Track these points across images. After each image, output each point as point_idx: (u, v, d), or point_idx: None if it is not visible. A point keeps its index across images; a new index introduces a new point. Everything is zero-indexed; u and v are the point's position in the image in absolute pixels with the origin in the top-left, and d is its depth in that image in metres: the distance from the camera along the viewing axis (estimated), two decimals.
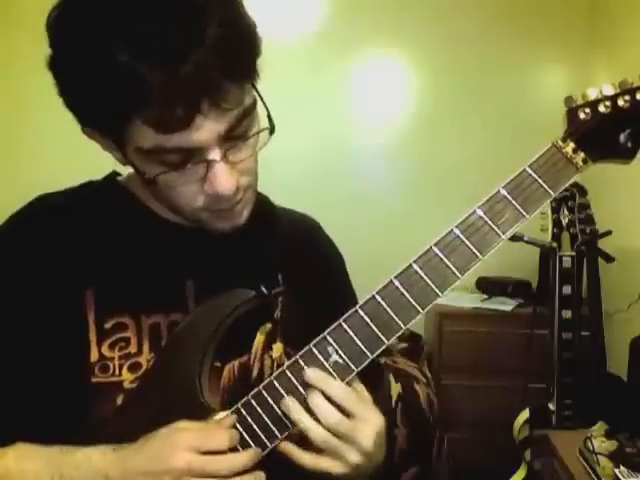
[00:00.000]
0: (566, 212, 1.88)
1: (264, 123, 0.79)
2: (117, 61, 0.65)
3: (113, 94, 0.67)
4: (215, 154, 0.72)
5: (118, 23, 0.66)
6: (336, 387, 0.77)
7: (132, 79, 0.65)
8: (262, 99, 0.77)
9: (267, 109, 0.77)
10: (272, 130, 0.77)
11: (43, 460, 0.74)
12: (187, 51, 0.65)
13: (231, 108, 0.71)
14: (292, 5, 2.98)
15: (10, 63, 2.92)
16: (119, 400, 0.80)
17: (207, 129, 0.70)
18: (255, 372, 0.87)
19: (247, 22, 0.73)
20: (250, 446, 0.77)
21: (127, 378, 0.80)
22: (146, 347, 0.81)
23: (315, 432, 0.76)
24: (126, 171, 0.88)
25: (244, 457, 0.75)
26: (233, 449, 0.75)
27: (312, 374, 0.77)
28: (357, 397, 0.78)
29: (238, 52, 0.70)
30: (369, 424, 0.78)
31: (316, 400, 0.76)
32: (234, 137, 0.74)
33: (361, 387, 0.80)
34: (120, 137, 0.73)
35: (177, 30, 0.66)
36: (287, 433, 0.78)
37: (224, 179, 0.73)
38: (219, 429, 0.75)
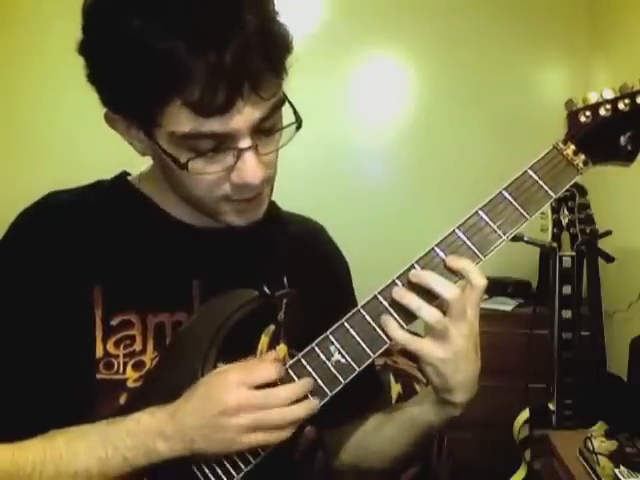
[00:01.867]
0: (566, 212, 1.88)
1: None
2: (160, 45, 0.67)
3: (155, 75, 0.68)
4: (247, 143, 0.74)
5: (159, 8, 0.68)
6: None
7: (176, 61, 0.67)
8: (287, 98, 0.78)
9: (293, 106, 0.78)
10: (299, 126, 0.78)
11: (94, 436, 0.75)
12: (229, 35, 0.67)
13: (267, 98, 0.73)
14: (291, 6, 2.97)
15: (10, 63, 2.92)
16: (122, 399, 0.80)
17: (244, 116, 0.71)
18: None
19: (281, 19, 0.75)
20: None
21: (131, 376, 0.81)
22: (150, 346, 0.82)
23: (429, 310, 0.76)
24: (139, 169, 0.89)
25: (297, 386, 0.76)
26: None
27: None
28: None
29: (275, 42, 0.72)
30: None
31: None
32: (264, 130, 0.76)
33: None
34: (152, 121, 0.73)
35: (219, 15, 0.68)
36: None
37: (253, 168, 0.75)
38: (263, 362, 0.77)
